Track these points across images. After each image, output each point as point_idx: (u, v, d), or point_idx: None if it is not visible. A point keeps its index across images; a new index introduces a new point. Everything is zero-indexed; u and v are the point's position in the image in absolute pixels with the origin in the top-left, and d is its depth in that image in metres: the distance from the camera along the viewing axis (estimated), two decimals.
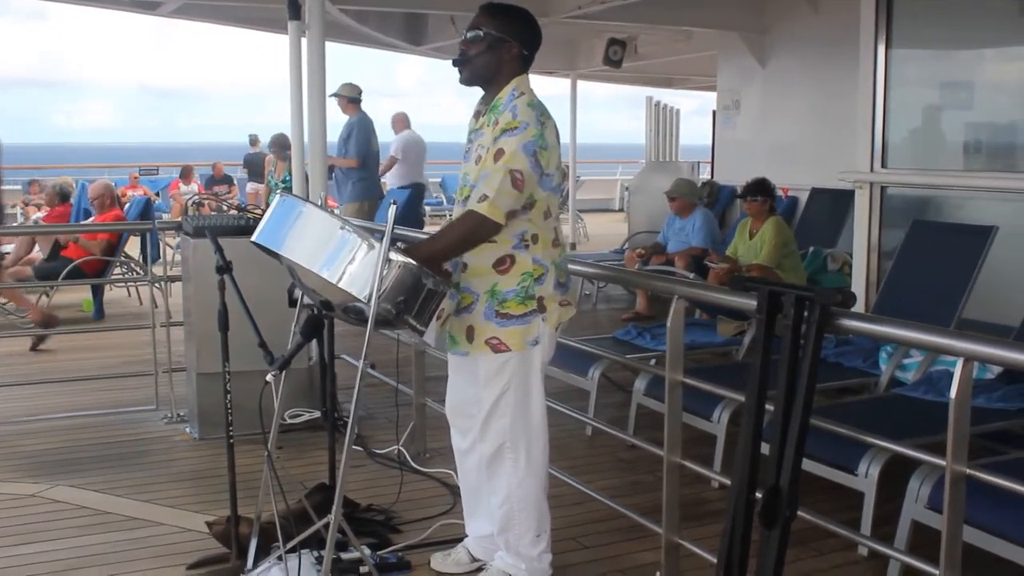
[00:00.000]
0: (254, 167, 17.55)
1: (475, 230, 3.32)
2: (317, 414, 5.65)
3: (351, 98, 9.67)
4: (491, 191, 3.26)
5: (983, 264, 5.40)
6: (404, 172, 11.23)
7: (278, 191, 10.45)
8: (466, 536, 3.86)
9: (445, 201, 18.53)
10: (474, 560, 3.80)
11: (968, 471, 2.59)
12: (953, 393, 2.56)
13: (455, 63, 3.50)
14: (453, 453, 3.85)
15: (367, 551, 3.75)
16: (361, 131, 9.62)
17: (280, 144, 10.74)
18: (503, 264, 3.39)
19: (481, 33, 3.43)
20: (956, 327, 5.17)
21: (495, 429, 3.48)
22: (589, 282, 9.84)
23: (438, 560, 3.87)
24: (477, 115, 3.56)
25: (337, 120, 9.73)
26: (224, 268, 3.61)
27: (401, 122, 11.76)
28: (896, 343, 5.04)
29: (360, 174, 9.61)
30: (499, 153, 3.30)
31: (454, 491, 4.46)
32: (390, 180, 11.69)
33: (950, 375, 4.73)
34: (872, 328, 3.02)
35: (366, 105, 9.85)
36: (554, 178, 3.42)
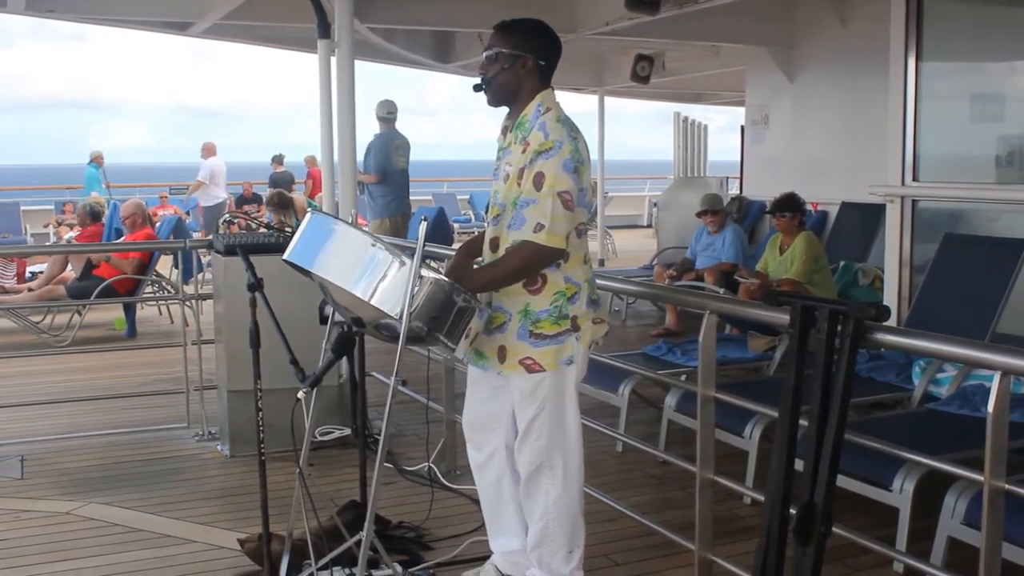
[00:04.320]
0: (279, 186, 17.67)
1: (535, 260, 3.31)
2: (348, 431, 5.66)
3: (379, 116, 9.73)
4: (546, 219, 3.24)
5: (1017, 277, 5.35)
6: (211, 192, 15.43)
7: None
8: (492, 554, 3.84)
9: (473, 218, 18.57)
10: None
11: (1007, 486, 2.56)
12: (990, 407, 2.53)
13: (476, 88, 3.50)
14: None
15: (399, 568, 3.74)
16: (379, 148, 9.65)
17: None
18: (534, 283, 3.38)
19: (495, 52, 3.44)
20: (990, 341, 5.12)
21: (531, 450, 3.46)
22: (619, 298, 9.82)
23: None
24: (504, 132, 3.55)
25: (367, 139, 9.78)
26: (255, 286, 3.62)
27: (208, 150, 15.59)
28: (932, 357, 5.00)
29: (381, 191, 9.63)
30: (539, 177, 3.27)
31: None
32: (200, 200, 15.61)
33: (984, 390, 4.72)
34: (907, 342, 3.00)
35: (398, 122, 9.89)
36: (587, 194, 3.41)
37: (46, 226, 16.93)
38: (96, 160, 17.23)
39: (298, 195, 14.02)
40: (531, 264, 3.34)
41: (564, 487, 3.48)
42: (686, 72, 13.25)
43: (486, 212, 3.70)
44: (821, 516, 2.75)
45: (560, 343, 3.39)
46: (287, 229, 10.35)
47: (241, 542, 4.10)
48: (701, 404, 3.61)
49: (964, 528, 3.61)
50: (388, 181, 9.68)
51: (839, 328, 2.82)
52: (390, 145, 9.72)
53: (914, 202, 6.67)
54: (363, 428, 4.22)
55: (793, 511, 2.82)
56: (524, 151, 3.35)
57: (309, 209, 3.52)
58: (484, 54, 3.48)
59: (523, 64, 3.42)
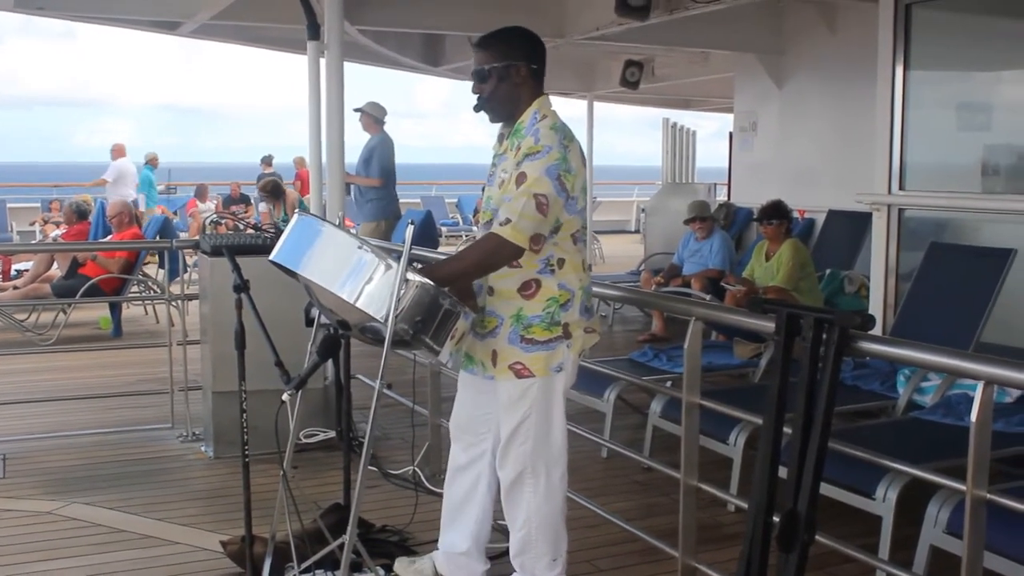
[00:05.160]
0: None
1: (494, 252, 3.30)
2: (332, 434, 5.65)
3: (376, 118, 9.71)
4: (514, 215, 3.24)
5: (1002, 287, 5.37)
6: (120, 192, 14.89)
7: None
8: (436, 549, 3.82)
9: (461, 221, 18.59)
10: (437, 575, 3.78)
11: (989, 496, 2.57)
12: (974, 417, 2.54)
13: (476, 109, 3.50)
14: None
15: (381, 572, 3.74)
16: (383, 151, 9.66)
17: (273, 192, 11.79)
18: (528, 289, 3.38)
19: (486, 68, 3.44)
20: (974, 350, 5.13)
21: (516, 455, 3.46)
22: (605, 303, 9.82)
23: (402, 564, 3.86)
24: (500, 138, 3.56)
25: (355, 141, 9.75)
26: (241, 287, 3.61)
27: (118, 151, 15.63)
28: (917, 366, 5.02)
29: (378, 193, 9.64)
30: (521, 177, 3.28)
31: None
32: (109, 199, 14.50)
33: (968, 399, 4.74)
34: (892, 351, 3.01)
35: (388, 125, 9.88)
36: (579, 201, 3.40)
37: (32, 224, 16.88)
38: (151, 162, 17.36)
39: (292, 190, 14.00)
40: (491, 256, 3.32)
41: (547, 495, 3.48)
42: (675, 78, 13.27)
43: (474, 216, 3.71)
44: (804, 524, 2.75)
45: (551, 349, 3.39)
46: (273, 226, 10.52)
47: (224, 544, 4.09)
48: (686, 410, 3.62)
49: (946, 537, 3.62)
50: (388, 183, 9.72)
51: (824, 336, 2.83)
52: (390, 148, 9.74)
53: (900, 211, 6.70)
54: (348, 431, 4.21)
55: (776, 519, 2.83)
56: (515, 156, 3.36)
57: (298, 210, 3.51)
58: (473, 72, 3.48)
59: (516, 72, 3.43)
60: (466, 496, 3.69)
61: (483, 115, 3.53)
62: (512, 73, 3.42)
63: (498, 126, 3.59)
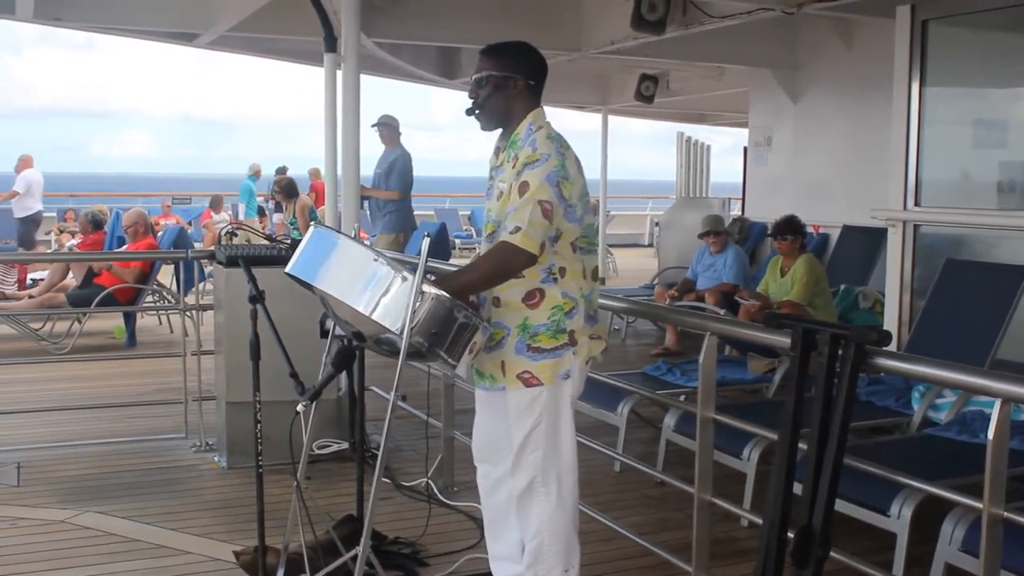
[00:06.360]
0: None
1: (508, 261, 3.31)
2: (346, 445, 5.65)
3: (397, 130, 9.75)
4: (523, 223, 3.26)
5: (1018, 304, 5.35)
6: (26, 204, 15.24)
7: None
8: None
9: (474, 233, 18.61)
10: None
11: (1005, 514, 2.55)
12: (991, 434, 2.53)
13: (468, 112, 3.55)
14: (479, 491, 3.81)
15: None
16: (404, 164, 9.70)
17: (286, 190, 12.00)
18: (533, 298, 3.39)
19: (484, 76, 3.48)
20: (990, 367, 5.11)
21: (526, 464, 3.45)
22: (619, 317, 9.82)
23: None
24: (497, 152, 3.59)
25: (370, 152, 9.77)
26: (257, 298, 3.62)
27: (25, 163, 15.45)
28: (934, 383, 4.99)
29: (397, 205, 9.68)
30: (524, 186, 3.30)
31: (481, 525, 4.43)
32: (14, 210, 15.33)
33: (983, 416, 4.72)
34: (909, 368, 2.99)
35: (403, 137, 9.92)
36: (577, 209, 3.41)
37: (48, 233, 16.94)
38: (255, 173, 17.56)
39: (306, 195, 14.03)
40: (505, 265, 3.33)
41: (559, 504, 3.47)
42: (690, 92, 13.27)
43: (483, 230, 3.72)
44: (819, 540, 2.74)
45: (558, 357, 3.40)
46: (287, 236, 10.58)
47: (236, 554, 4.09)
48: (700, 425, 3.61)
49: (962, 555, 3.60)
50: (406, 196, 9.79)
51: (840, 352, 2.83)
52: (410, 161, 9.78)
53: (916, 227, 6.68)
54: (361, 442, 4.22)
55: (791, 534, 2.82)
56: (514, 166, 3.38)
57: (314, 223, 3.53)
58: (473, 78, 3.52)
59: (514, 84, 3.48)
60: (504, 519, 3.65)
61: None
62: (509, 84, 3.47)
63: (495, 139, 3.61)
